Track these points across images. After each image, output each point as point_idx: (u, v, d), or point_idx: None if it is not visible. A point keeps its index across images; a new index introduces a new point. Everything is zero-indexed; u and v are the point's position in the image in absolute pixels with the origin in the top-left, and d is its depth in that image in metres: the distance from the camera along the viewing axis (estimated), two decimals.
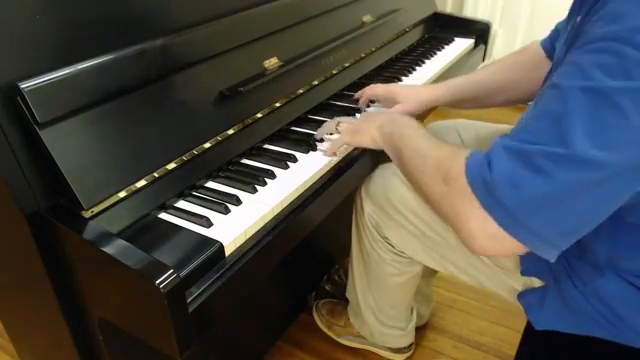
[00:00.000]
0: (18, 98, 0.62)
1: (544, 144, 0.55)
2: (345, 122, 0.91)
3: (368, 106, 1.11)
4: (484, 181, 0.58)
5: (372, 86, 1.07)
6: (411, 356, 1.27)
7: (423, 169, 0.70)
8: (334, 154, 0.90)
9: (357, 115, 1.06)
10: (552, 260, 0.60)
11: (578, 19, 0.68)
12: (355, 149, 0.93)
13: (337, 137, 0.91)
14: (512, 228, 0.57)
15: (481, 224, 0.59)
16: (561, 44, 0.75)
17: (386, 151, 0.83)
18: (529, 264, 0.81)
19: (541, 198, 0.55)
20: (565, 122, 0.54)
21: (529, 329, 0.86)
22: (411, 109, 1.02)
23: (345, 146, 0.91)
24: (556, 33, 0.95)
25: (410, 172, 0.74)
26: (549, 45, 0.97)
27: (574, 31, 0.65)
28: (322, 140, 0.94)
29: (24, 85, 0.62)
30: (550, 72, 0.77)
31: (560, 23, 0.94)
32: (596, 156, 0.52)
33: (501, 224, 0.58)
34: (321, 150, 0.92)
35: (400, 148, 0.77)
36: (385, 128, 0.83)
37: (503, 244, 0.59)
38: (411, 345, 1.26)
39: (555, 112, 0.55)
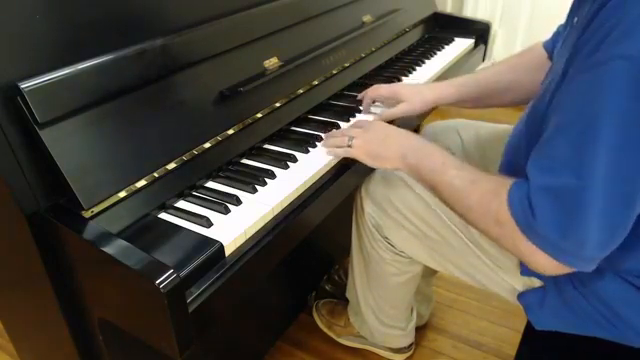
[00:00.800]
0: (18, 98, 0.62)
1: (571, 176, 0.58)
2: (358, 137, 0.87)
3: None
4: (530, 226, 0.62)
5: (375, 87, 1.07)
6: (411, 356, 1.27)
7: (470, 210, 0.72)
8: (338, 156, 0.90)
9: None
10: (593, 269, 0.64)
11: (575, 20, 0.68)
12: None
13: (352, 151, 0.87)
14: (566, 260, 0.63)
15: (545, 259, 0.63)
16: (559, 46, 0.75)
17: (413, 178, 0.85)
18: None
19: (584, 228, 0.59)
20: (588, 149, 0.57)
21: (529, 329, 0.86)
22: (415, 109, 1.02)
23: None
24: (558, 35, 0.95)
25: (455, 210, 0.76)
26: (551, 47, 0.97)
27: (575, 34, 0.65)
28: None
29: (24, 85, 0.62)
30: (549, 72, 0.77)
31: (561, 25, 0.93)
32: (620, 176, 0.57)
33: (556, 258, 0.63)
34: (324, 150, 0.92)
35: (434, 186, 0.77)
36: (409, 159, 0.81)
37: (567, 269, 0.64)
38: (411, 345, 1.26)
39: (577, 140, 0.58)
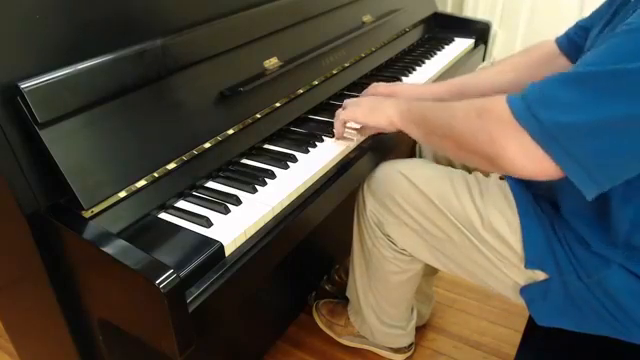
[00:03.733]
0: (18, 98, 0.62)
1: (597, 65, 0.55)
2: (351, 104, 0.91)
3: None
4: (528, 104, 0.59)
5: (374, 85, 1.07)
6: (411, 356, 1.27)
7: (453, 116, 0.71)
8: (343, 138, 0.93)
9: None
10: (589, 198, 0.59)
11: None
12: (357, 147, 0.94)
13: (346, 112, 0.91)
14: (552, 149, 0.58)
15: (520, 145, 0.59)
16: (596, 32, 0.74)
17: (406, 127, 0.83)
18: (533, 255, 0.80)
19: (584, 123, 0.56)
20: (629, 43, 0.55)
21: (529, 329, 0.86)
22: None
23: (355, 140, 0.93)
24: (578, 30, 0.93)
25: (439, 126, 0.75)
26: (566, 42, 0.95)
27: (627, 10, 0.64)
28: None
29: (24, 85, 0.62)
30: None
31: (583, 20, 0.93)
32: None
33: (541, 144, 0.58)
34: (324, 150, 0.92)
35: (423, 113, 0.78)
36: (402, 106, 0.84)
37: (542, 165, 0.59)
38: (411, 345, 1.26)
39: (620, 40, 0.56)
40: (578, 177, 0.59)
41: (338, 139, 0.95)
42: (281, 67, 0.99)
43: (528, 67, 1.00)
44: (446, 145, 0.76)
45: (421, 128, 0.80)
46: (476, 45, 1.55)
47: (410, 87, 1.06)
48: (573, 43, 0.94)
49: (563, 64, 0.94)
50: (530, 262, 0.81)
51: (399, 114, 0.84)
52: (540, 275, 0.82)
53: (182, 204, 0.78)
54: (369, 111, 0.88)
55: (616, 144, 0.56)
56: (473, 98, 0.70)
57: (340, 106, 1.09)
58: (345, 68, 1.18)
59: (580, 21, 0.93)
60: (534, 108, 0.59)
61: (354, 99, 0.95)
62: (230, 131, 0.88)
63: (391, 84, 1.07)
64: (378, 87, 1.06)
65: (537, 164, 0.60)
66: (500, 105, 0.62)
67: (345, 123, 0.93)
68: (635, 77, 0.54)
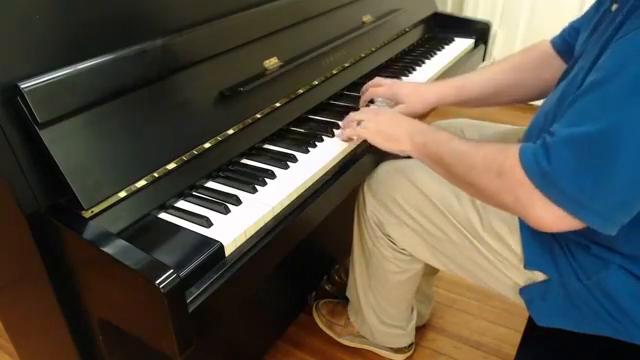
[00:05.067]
0: (18, 98, 0.62)
1: (602, 126, 0.57)
2: (370, 120, 0.91)
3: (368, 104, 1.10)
4: (542, 172, 0.62)
5: (375, 81, 1.07)
6: (411, 356, 1.27)
7: (473, 166, 0.72)
8: (349, 139, 0.94)
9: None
10: (613, 234, 0.62)
11: (614, 7, 0.68)
12: (358, 146, 0.94)
13: (363, 131, 0.91)
14: (576, 211, 0.61)
15: (546, 209, 0.62)
16: (585, 37, 0.75)
17: (419, 159, 0.85)
18: (532, 256, 0.81)
19: (600, 181, 0.58)
20: (626, 102, 0.56)
21: (529, 329, 0.86)
22: (415, 110, 1.02)
23: (355, 139, 0.94)
24: (571, 31, 0.94)
25: (458, 174, 0.76)
26: (560, 43, 0.96)
27: (611, 19, 0.65)
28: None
29: (24, 85, 0.62)
30: (570, 67, 0.77)
31: (575, 21, 0.93)
32: None
33: (564, 208, 0.61)
34: (323, 150, 0.92)
35: (440, 154, 0.79)
36: (417, 138, 0.84)
37: (570, 223, 0.63)
38: (411, 345, 1.26)
39: (616, 93, 0.58)
40: (605, 227, 0.62)
41: (341, 140, 0.95)
42: (281, 67, 0.99)
43: (526, 67, 1.00)
44: (468, 191, 0.79)
45: (438, 168, 0.81)
46: (476, 45, 1.55)
47: (412, 88, 1.05)
48: (567, 44, 0.94)
49: (559, 65, 0.95)
50: (529, 263, 0.81)
51: (413, 147, 0.85)
52: (539, 276, 0.82)
53: (182, 204, 0.78)
54: (383, 138, 0.88)
55: (633, 189, 0.59)
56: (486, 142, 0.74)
57: (340, 106, 1.10)
58: (345, 68, 1.18)
59: (573, 22, 0.94)
60: (551, 176, 0.61)
61: (373, 109, 0.97)
62: (230, 131, 0.88)
63: (392, 84, 1.07)
64: (378, 89, 1.05)
65: (565, 222, 0.63)
66: (518, 170, 0.64)
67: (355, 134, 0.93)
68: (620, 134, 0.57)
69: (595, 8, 0.80)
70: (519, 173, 0.64)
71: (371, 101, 1.09)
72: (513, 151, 0.66)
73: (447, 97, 1.04)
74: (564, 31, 0.96)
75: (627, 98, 0.57)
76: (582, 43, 0.78)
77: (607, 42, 0.63)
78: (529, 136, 0.84)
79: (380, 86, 1.06)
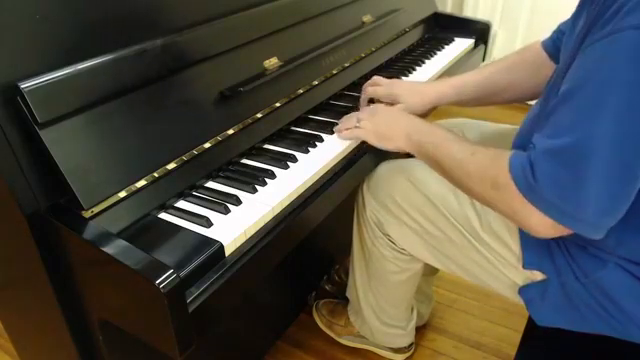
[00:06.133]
0: (18, 98, 0.62)
1: (573, 138, 0.60)
2: (366, 120, 0.92)
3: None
4: (531, 188, 0.64)
5: (374, 80, 1.07)
6: (411, 356, 1.27)
7: (469, 176, 0.74)
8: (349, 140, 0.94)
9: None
10: (600, 237, 0.64)
11: (583, 16, 0.68)
12: (357, 146, 0.95)
13: (359, 131, 0.92)
14: (567, 222, 0.63)
15: (540, 219, 0.65)
16: (572, 42, 0.76)
17: (416, 156, 0.86)
18: (531, 256, 0.81)
19: (585, 192, 0.60)
20: (593, 113, 0.58)
21: (529, 329, 0.86)
22: (414, 110, 1.02)
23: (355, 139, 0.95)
24: (559, 34, 0.95)
25: (454, 178, 0.78)
26: (551, 46, 0.97)
27: (580, 28, 0.65)
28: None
29: (24, 85, 0.62)
30: (556, 72, 0.77)
31: (563, 23, 0.94)
32: (622, 143, 0.57)
33: (557, 220, 0.63)
34: (323, 150, 0.93)
35: (437, 159, 0.80)
36: (413, 137, 0.85)
37: (563, 230, 0.65)
38: (411, 345, 1.26)
39: (583, 104, 0.59)
40: (592, 233, 0.64)
41: (339, 132, 0.95)
42: (281, 67, 0.99)
43: (524, 68, 1.01)
44: (467, 194, 0.80)
45: (436, 168, 0.82)
46: (476, 45, 1.55)
47: (411, 89, 1.05)
48: (556, 47, 0.95)
49: (552, 66, 0.95)
50: (528, 263, 0.81)
51: (410, 145, 0.86)
52: (538, 275, 0.82)
53: (182, 204, 0.78)
54: (380, 137, 0.90)
55: (611, 193, 0.60)
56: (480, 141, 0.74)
57: (340, 106, 1.10)
58: (345, 68, 1.18)
59: (561, 24, 0.95)
60: (536, 189, 0.63)
61: (370, 108, 0.97)
62: (230, 131, 0.88)
63: (391, 84, 1.07)
64: (377, 89, 1.05)
65: (558, 230, 0.65)
66: (511, 184, 0.66)
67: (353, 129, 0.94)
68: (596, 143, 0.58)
69: (574, 13, 0.81)
70: (512, 187, 0.66)
71: (371, 100, 1.09)
72: (504, 163, 0.67)
73: (446, 96, 1.04)
74: (554, 33, 0.97)
75: (593, 109, 0.58)
76: (563, 47, 0.79)
77: (575, 51, 0.64)
78: (520, 136, 0.84)
79: (379, 85, 1.06)
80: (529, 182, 0.64)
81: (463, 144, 0.78)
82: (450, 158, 0.77)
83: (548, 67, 0.95)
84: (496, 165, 0.69)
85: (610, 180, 0.59)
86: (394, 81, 1.11)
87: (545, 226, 0.65)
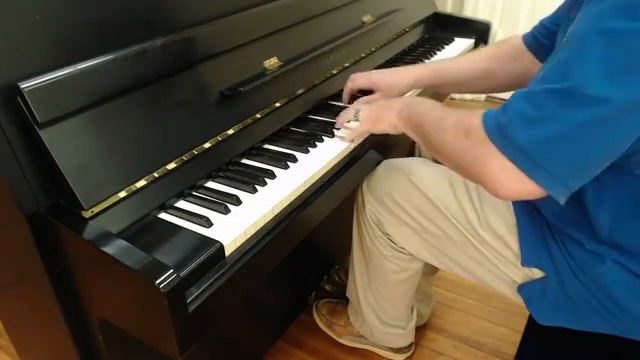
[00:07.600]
0: (18, 98, 0.62)
1: (550, 83, 0.58)
2: (363, 110, 0.93)
3: (354, 98, 1.09)
4: (498, 125, 0.62)
5: (353, 77, 1.08)
6: (411, 356, 1.27)
7: (445, 129, 0.73)
8: (352, 140, 0.94)
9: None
10: (562, 202, 0.61)
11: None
12: (357, 146, 0.95)
13: (357, 125, 0.93)
14: (528, 168, 0.60)
15: (501, 167, 0.62)
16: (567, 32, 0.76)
17: (407, 132, 0.86)
18: (529, 253, 0.81)
19: (551, 136, 0.58)
20: (573, 62, 0.57)
21: (529, 329, 0.86)
22: (392, 95, 1.04)
23: (355, 139, 0.95)
24: (541, 28, 0.96)
25: (433, 138, 0.77)
26: (532, 39, 0.98)
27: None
28: (338, 129, 0.98)
29: (24, 85, 0.62)
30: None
31: (545, 19, 0.95)
32: (602, 93, 0.55)
33: (518, 165, 0.60)
34: (336, 137, 0.95)
35: (420, 123, 0.80)
36: (403, 112, 0.86)
37: (524, 186, 0.61)
38: (411, 345, 1.26)
39: (565, 55, 0.58)
40: (557, 192, 0.61)
41: (346, 141, 0.95)
42: (281, 67, 0.99)
43: (498, 59, 1.03)
44: (440, 156, 0.78)
45: (419, 136, 0.82)
46: (476, 45, 1.55)
47: (388, 76, 1.06)
48: (537, 41, 0.96)
49: (529, 59, 0.98)
50: (526, 260, 0.81)
51: (400, 120, 0.86)
52: (537, 273, 0.82)
53: (182, 204, 0.78)
54: (374, 122, 0.91)
55: (580, 148, 0.58)
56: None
57: (340, 106, 1.10)
58: (345, 68, 1.18)
59: (543, 20, 0.96)
60: (504, 127, 0.61)
61: (364, 98, 0.99)
62: (230, 131, 0.88)
63: (369, 73, 1.09)
64: (356, 80, 1.07)
65: (520, 185, 0.62)
66: (480, 128, 0.64)
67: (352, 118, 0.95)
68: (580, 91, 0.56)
69: (569, 5, 0.81)
70: (481, 131, 0.64)
71: (354, 97, 1.10)
72: (480, 112, 0.66)
73: (422, 79, 1.07)
74: (535, 28, 0.98)
75: (576, 56, 0.57)
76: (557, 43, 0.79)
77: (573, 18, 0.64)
78: None
79: (356, 81, 1.08)
80: (498, 121, 0.62)
81: (451, 109, 0.78)
82: (432, 118, 0.77)
83: (525, 60, 0.98)
84: (472, 113, 0.68)
85: (583, 129, 0.57)
86: (372, 71, 1.12)
87: (506, 178, 0.62)
